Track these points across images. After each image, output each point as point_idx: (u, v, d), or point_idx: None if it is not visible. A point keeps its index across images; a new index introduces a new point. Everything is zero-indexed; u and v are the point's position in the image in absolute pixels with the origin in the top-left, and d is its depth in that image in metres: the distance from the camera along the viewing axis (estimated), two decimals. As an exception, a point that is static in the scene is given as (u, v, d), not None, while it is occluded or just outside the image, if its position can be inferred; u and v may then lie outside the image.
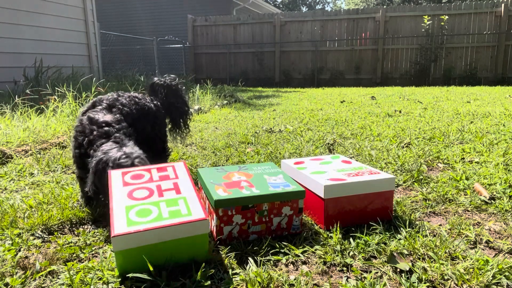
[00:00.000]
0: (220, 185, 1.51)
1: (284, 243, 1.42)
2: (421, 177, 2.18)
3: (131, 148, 1.61)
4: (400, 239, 1.44)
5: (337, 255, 1.33)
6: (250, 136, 3.55)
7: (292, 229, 1.52)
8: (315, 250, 1.39)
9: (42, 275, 1.23)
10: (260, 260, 1.32)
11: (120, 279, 1.19)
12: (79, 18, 7.41)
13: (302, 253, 1.37)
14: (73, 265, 1.28)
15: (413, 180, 2.15)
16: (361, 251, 1.37)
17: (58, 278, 1.22)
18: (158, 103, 2.18)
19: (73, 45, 7.30)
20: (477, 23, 10.76)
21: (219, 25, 12.90)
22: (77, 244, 1.46)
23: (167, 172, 1.48)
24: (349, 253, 1.36)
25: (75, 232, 1.58)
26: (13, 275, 1.23)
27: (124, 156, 1.52)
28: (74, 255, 1.38)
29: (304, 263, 1.32)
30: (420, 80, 11.13)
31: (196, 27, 13.14)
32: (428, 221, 1.64)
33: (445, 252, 1.34)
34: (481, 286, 1.15)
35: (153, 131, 2.07)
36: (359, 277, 1.22)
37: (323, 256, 1.34)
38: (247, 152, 2.89)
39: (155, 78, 2.29)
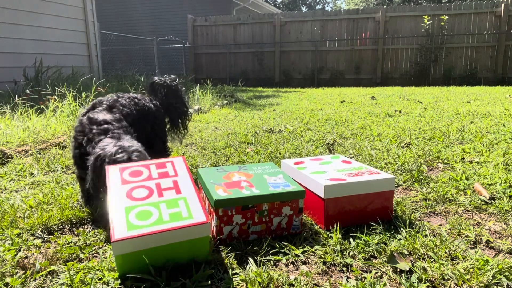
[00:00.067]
0: (220, 185, 1.51)
1: (284, 243, 1.42)
2: (421, 177, 2.18)
3: (128, 142, 1.59)
4: (400, 239, 1.44)
5: (337, 255, 1.33)
6: (250, 136, 3.55)
7: (292, 229, 1.52)
8: (315, 250, 1.39)
9: (42, 275, 1.23)
10: (260, 260, 1.32)
11: (120, 279, 1.19)
12: (79, 18, 7.41)
13: (302, 253, 1.37)
14: (73, 265, 1.28)
15: (413, 180, 2.15)
16: (361, 251, 1.37)
17: (58, 278, 1.22)
18: (158, 103, 2.18)
19: (73, 45, 7.30)
20: (477, 23, 10.76)
21: (219, 25, 12.90)
22: (77, 244, 1.46)
23: (166, 169, 1.46)
24: (349, 253, 1.36)
25: (75, 232, 1.58)
26: (13, 275, 1.23)
27: (120, 150, 1.50)
28: (74, 255, 1.38)
29: (304, 263, 1.32)
30: (420, 80, 11.13)
31: (196, 27, 13.14)
32: (428, 221, 1.64)
33: (445, 252, 1.34)
34: (481, 286, 1.15)
35: (153, 131, 2.08)
36: (359, 277, 1.22)
37: (323, 256, 1.34)
38: (247, 152, 2.89)
39: (155, 78, 2.29)
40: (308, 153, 2.83)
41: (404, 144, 3.06)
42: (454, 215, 1.71)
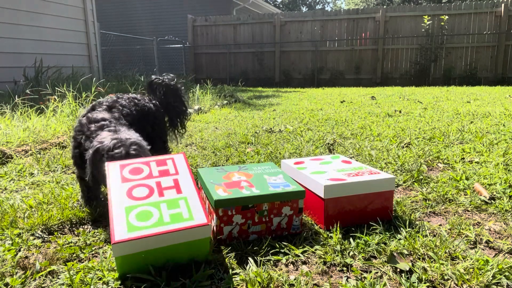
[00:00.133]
0: (220, 185, 1.51)
1: (284, 243, 1.42)
2: (421, 177, 2.18)
3: (126, 133, 1.56)
4: (400, 239, 1.44)
5: (337, 255, 1.33)
6: (250, 136, 3.55)
7: (292, 229, 1.52)
8: (315, 250, 1.39)
9: (42, 275, 1.23)
10: (260, 260, 1.32)
11: (120, 280, 1.19)
12: (79, 18, 7.41)
13: (302, 253, 1.37)
14: (73, 265, 1.28)
15: (413, 180, 2.15)
16: (361, 251, 1.37)
17: (58, 278, 1.22)
18: (157, 102, 2.18)
19: (73, 45, 7.30)
20: (477, 23, 10.76)
21: (219, 25, 12.90)
22: (77, 244, 1.46)
23: (166, 167, 1.45)
24: (349, 253, 1.36)
25: (75, 232, 1.58)
26: (13, 275, 1.23)
27: (118, 144, 1.48)
28: (74, 255, 1.38)
29: (304, 263, 1.32)
30: (420, 80, 11.13)
31: (196, 27, 13.14)
32: (428, 221, 1.64)
33: (445, 252, 1.34)
34: (481, 286, 1.15)
35: (154, 131, 2.08)
36: (359, 277, 1.22)
37: (323, 256, 1.34)
38: (247, 152, 2.89)
39: (153, 77, 2.29)
40: (308, 153, 2.83)
41: (404, 144, 3.06)
42: (454, 215, 1.71)
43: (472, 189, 1.98)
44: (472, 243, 1.44)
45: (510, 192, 1.89)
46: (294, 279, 1.20)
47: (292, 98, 7.58)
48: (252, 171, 1.69)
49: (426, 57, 11.05)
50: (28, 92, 4.86)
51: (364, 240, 1.42)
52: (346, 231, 1.53)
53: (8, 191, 2.12)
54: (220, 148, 3.07)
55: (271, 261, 1.32)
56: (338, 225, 1.52)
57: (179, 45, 13.66)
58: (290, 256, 1.35)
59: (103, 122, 1.68)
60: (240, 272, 1.24)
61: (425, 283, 1.17)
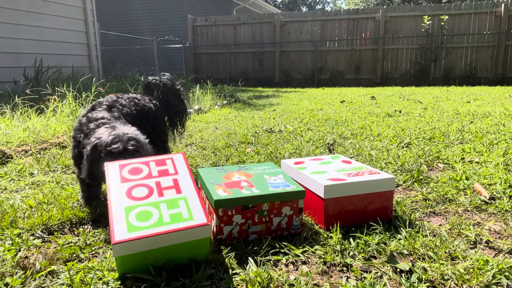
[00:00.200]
0: (220, 185, 1.51)
1: (284, 243, 1.42)
2: (421, 177, 2.18)
3: (123, 128, 1.55)
4: (400, 239, 1.44)
5: (337, 255, 1.33)
6: (250, 136, 3.55)
7: (292, 229, 1.52)
8: (315, 250, 1.38)
9: (42, 275, 1.23)
10: (260, 260, 1.32)
11: (120, 280, 1.19)
12: (79, 18, 7.41)
13: (302, 253, 1.37)
14: (73, 265, 1.28)
15: (413, 180, 2.15)
16: (361, 251, 1.37)
17: (58, 278, 1.22)
18: (157, 102, 2.18)
19: (73, 45, 7.30)
20: (477, 23, 10.76)
21: (219, 25, 12.90)
22: (77, 244, 1.46)
23: (166, 167, 1.45)
24: (349, 253, 1.36)
25: (75, 232, 1.58)
26: (13, 275, 1.23)
27: (116, 140, 1.48)
28: (74, 255, 1.38)
29: (304, 263, 1.32)
30: (420, 80, 11.13)
31: (196, 27, 13.14)
32: (428, 221, 1.64)
33: (445, 252, 1.34)
34: (481, 286, 1.15)
35: (154, 131, 2.08)
36: (359, 277, 1.22)
37: (323, 256, 1.34)
38: (247, 152, 2.89)
39: (150, 78, 2.29)
40: (308, 153, 2.83)
41: (404, 144, 3.06)
42: (454, 215, 1.71)
43: (472, 189, 1.98)
44: (472, 243, 1.44)
45: (510, 192, 1.89)
46: (294, 279, 1.20)
47: (292, 98, 7.58)
48: (252, 171, 1.69)
49: (426, 57, 11.05)
50: (28, 92, 4.86)
51: (364, 240, 1.42)
52: (346, 231, 1.53)
53: (8, 191, 2.12)
54: (220, 148, 3.07)
55: (271, 261, 1.32)
56: (338, 225, 1.52)
57: (179, 45, 13.66)
58: (290, 256, 1.35)
59: (102, 121, 1.68)
60: (240, 272, 1.24)
61: (425, 283, 1.17)
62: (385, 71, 11.58)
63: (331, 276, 1.24)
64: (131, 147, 1.49)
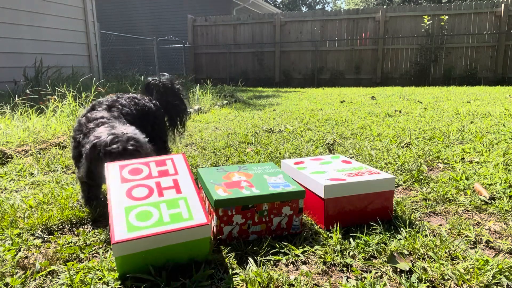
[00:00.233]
0: (220, 185, 1.51)
1: (284, 243, 1.42)
2: (421, 177, 2.18)
3: (122, 128, 1.55)
4: (400, 239, 1.44)
5: (337, 255, 1.33)
6: (250, 136, 3.55)
7: (292, 229, 1.52)
8: (315, 250, 1.38)
9: (42, 275, 1.23)
10: (260, 260, 1.32)
11: (120, 280, 1.19)
12: (79, 18, 7.41)
13: (302, 253, 1.37)
14: (73, 265, 1.28)
15: (413, 180, 2.15)
16: (361, 251, 1.37)
17: (58, 278, 1.22)
18: (157, 102, 2.18)
19: (73, 45, 7.30)
20: (477, 23, 10.76)
21: (219, 25, 12.90)
22: (77, 244, 1.46)
23: (166, 167, 1.45)
24: (349, 253, 1.36)
25: (75, 232, 1.58)
26: (13, 275, 1.23)
27: (115, 139, 1.47)
28: (74, 255, 1.38)
29: (304, 263, 1.32)
30: (420, 80, 11.13)
31: (196, 27, 13.14)
32: (428, 221, 1.64)
33: (445, 252, 1.34)
34: (481, 286, 1.15)
35: (154, 131, 2.08)
36: (359, 277, 1.22)
37: (323, 256, 1.34)
38: (247, 152, 2.89)
39: (150, 78, 2.29)
40: (308, 153, 2.83)
41: (404, 144, 3.06)
42: (454, 215, 1.71)
43: (472, 189, 1.98)
44: (472, 243, 1.44)
45: (510, 192, 1.89)
46: (294, 279, 1.20)
47: (292, 98, 7.58)
48: (252, 171, 1.69)
49: (426, 57, 11.05)
50: (28, 92, 4.86)
51: (364, 240, 1.42)
52: (346, 231, 1.53)
53: (8, 191, 2.12)
54: (220, 148, 3.07)
55: (271, 261, 1.32)
56: (338, 225, 1.52)
57: (179, 45, 13.66)
58: (290, 256, 1.35)
59: (101, 120, 1.68)
60: (240, 272, 1.24)
61: (425, 283, 1.17)
62: (385, 71, 11.58)
63: (331, 276, 1.24)
64: (130, 147, 1.49)
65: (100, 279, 1.20)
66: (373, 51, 11.58)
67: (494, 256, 1.33)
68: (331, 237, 1.46)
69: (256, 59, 12.66)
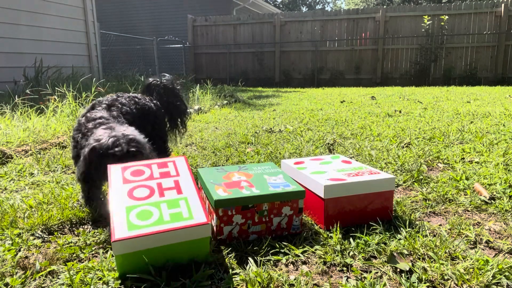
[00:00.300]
0: (220, 185, 1.51)
1: (284, 243, 1.42)
2: (421, 177, 2.18)
3: (122, 129, 1.54)
4: (400, 239, 1.44)
5: (337, 255, 1.33)
6: (250, 136, 3.55)
7: (292, 229, 1.52)
8: (315, 250, 1.38)
9: (42, 275, 1.23)
10: (260, 260, 1.32)
11: (120, 279, 1.19)
12: (79, 18, 7.41)
13: (302, 253, 1.37)
14: (73, 265, 1.28)
15: (413, 180, 2.15)
16: (361, 251, 1.37)
17: (58, 278, 1.22)
18: (158, 102, 2.19)
19: (73, 45, 7.30)
20: (477, 23, 10.76)
21: (219, 25, 12.90)
22: (77, 244, 1.46)
23: (168, 169, 1.46)
24: (349, 253, 1.36)
25: (75, 232, 1.58)
26: (13, 275, 1.23)
27: (117, 142, 1.47)
28: (74, 255, 1.38)
29: (304, 263, 1.32)
30: (420, 80, 11.13)
31: (196, 27, 13.14)
32: (428, 221, 1.64)
33: (445, 252, 1.34)
34: (481, 286, 1.15)
35: (154, 131, 2.08)
36: (359, 277, 1.22)
37: (323, 256, 1.34)
38: (247, 152, 2.89)
39: (151, 79, 2.30)
40: (308, 153, 2.83)
41: (404, 144, 3.06)
42: (454, 215, 1.71)
43: (472, 189, 1.98)
44: (472, 243, 1.44)
45: (510, 192, 1.89)
46: (294, 279, 1.20)
47: (292, 98, 7.58)
48: (252, 171, 1.69)
49: (426, 57, 11.05)
50: (28, 92, 4.86)
51: (364, 240, 1.42)
52: (346, 231, 1.53)
53: (8, 191, 2.12)
54: (220, 148, 3.07)
55: (271, 261, 1.32)
56: (338, 225, 1.52)
57: (179, 45, 13.66)
58: (290, 256, 1.35)
59: (100, 121, 1.67)
60: (240, 272, 1.24)
61: (425, 283, 1.17)
62: (385, 71, 11.58)
63: (331, 276, 1.24)
64: (133, 149, 1.48)
65: (100, 279, 1.20)
66: (373, 51, 11.58)
67: (494, 256, 1.33)
68: (331, 237, 1.46)
69: (256, 59, 12.66)
